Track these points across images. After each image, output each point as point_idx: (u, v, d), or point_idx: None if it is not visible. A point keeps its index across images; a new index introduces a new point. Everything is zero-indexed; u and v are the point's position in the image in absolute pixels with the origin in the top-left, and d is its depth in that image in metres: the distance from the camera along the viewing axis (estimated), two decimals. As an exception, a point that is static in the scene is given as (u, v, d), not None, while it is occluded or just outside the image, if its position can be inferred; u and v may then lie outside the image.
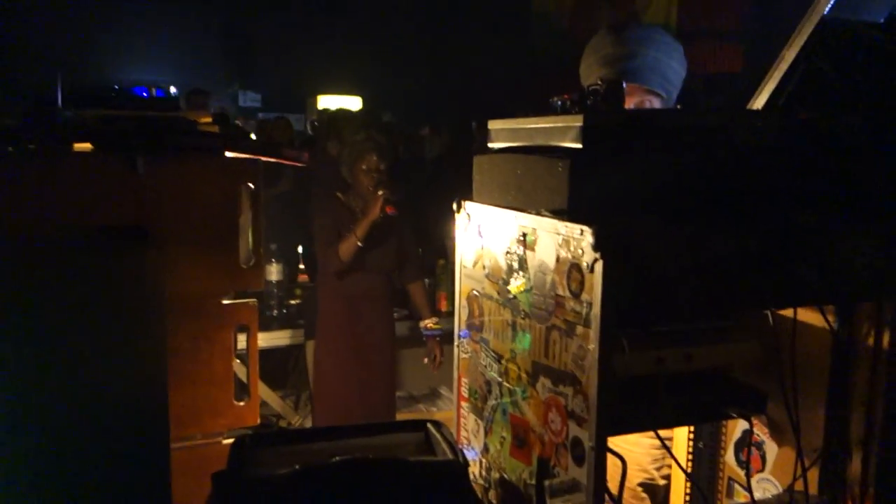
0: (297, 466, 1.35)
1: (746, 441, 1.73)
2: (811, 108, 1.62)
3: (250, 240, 1.92)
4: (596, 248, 1.21)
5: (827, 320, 1.51)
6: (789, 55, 1.72)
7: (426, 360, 4.24)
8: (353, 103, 12.14)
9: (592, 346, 1.24)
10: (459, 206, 1.70)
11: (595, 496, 1.25)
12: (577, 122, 1.32)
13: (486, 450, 1.64)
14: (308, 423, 4.42)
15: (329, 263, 3.86)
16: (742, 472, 1.77)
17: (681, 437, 1.90)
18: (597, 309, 1.22)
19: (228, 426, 1.93)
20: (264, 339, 4.14)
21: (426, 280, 4.87)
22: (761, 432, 1.70)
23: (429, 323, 4.19)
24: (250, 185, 1.91)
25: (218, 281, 1.86)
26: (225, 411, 1.92)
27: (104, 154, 1.83)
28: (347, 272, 3.84)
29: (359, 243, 3.75)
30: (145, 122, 1.92)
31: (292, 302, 4.61)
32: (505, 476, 1.56)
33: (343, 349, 3.95)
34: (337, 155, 4.20)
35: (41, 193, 1.77)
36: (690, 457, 1.90)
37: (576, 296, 1.28)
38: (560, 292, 1.33)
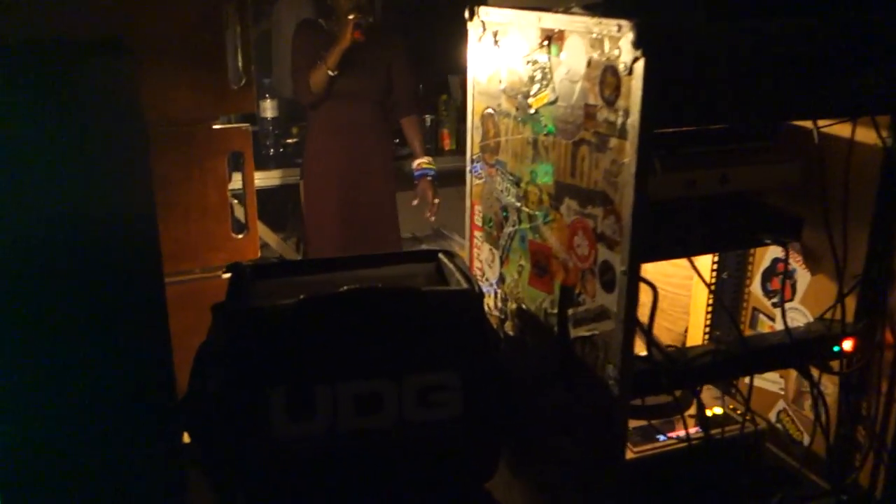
0: (301, 296, 1.25)
1: (776, 269, 1.63)
2: None
3: (239, 58, 1.74)
4: (637, 44, 1.05)
5: (880, 135, 1.37)
6: None
7: (415, 202, 3.89)
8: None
9: (628, 158, 1.10)
10: (472, 14, 1.51)
11: (626, 323, 1.15)
12: None
13: (501, 280, 1.54)
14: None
15: (300, 91, 3.62)
16: (768, 303, 1.68)
17: (704, 268, 1.81)
18: (635, 116, 1.08)
19: (227, 260, 1.83)
20: (260, 179, 3.95)
21: (427, 117, 4.65)
22: (793, 260, 1.60)
23: (421, 162, 3.85)
24: (236, -5, 1.71)
25: (206, 102, 1.69)
26: (222, 244, 1.81)
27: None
28: (329, 101, 3.60)
29: (329, 72, 3.49)
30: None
31: (289, 141, 4.41)
32: (523, 306, 1.46)
33: (335, 187, 3.74)
34: None
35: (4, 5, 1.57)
36: (713, 288, 1.82)
37: (609, 104, 1.13)
38: (591, 101, 1.17)
